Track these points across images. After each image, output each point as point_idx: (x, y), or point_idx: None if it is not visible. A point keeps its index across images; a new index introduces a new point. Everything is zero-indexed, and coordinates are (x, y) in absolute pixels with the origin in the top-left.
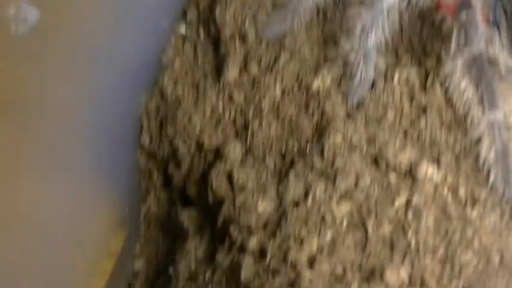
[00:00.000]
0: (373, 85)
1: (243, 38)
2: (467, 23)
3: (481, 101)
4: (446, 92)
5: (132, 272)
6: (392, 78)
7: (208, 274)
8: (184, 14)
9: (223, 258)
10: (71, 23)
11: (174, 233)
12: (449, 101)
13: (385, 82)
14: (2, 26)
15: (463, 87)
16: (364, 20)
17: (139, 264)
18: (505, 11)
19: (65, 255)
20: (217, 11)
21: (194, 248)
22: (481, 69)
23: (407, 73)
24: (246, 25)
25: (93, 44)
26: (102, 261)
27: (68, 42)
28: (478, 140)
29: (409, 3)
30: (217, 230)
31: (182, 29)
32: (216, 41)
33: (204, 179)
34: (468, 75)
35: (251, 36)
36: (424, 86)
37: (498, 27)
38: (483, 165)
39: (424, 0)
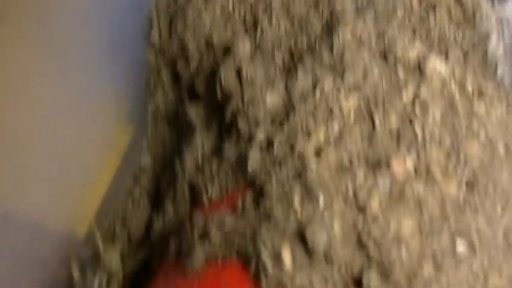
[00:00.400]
0: None
1: None
2: None
3: None
4: None
5: (139, 167)
6: None
7: (214, 167)
8: None
9: (230, 151)
10: None
11: (181, 129)
12: None
13: None
14: None
15: None
16: None
17: (146, 160)
18: None
19: (73, 147)
20: None
21: (201, 142)
22: None
23: None
24: None
25: None
26: (110, 156)
27: None
28: (487, 35)
29: None
30: (225, 125)
31: None
32: None
33: (212, 76)
34: None
35: None
36: None
37: None
38: (491, 60)
39: None
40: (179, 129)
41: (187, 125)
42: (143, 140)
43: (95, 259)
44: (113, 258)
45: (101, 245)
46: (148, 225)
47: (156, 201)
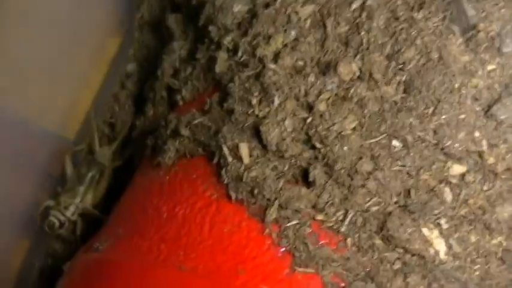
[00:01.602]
0: None
1: None
2: None
3: None
4: None
5: (125, 73)
6: None
7: (189, 70)
8: None
9: (202, 56)
10: None
11: (164, 38)
12: None
13: None
14: None
15: None
16: None
17: (132, 67)
18: None
19: (64, 52)
20: None
21: (179, 48)
22: None
23: None
24: None
25: None
26: (100, 62)
27: None
28: None
29: None
30: (199, 32)
31: None
32: None
33: None
34: None
35: None
36: None
37: None
38: None
39: None
40: (162, 37)
41: (168, 33)
42: (130, 47)
43: (88, 155)
44: (105, 153)
45: (97, 142)
46: (133, 126)
47: (140, 104)
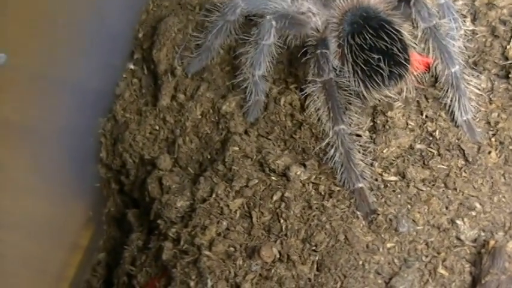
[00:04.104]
0: (266, 107)
1: (173, 72)
2: (321, 57)
3: (329, 116)
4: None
5: (97, 261)
6: (280, 102)
7: (143, 258)
8: (132, 53)
9: (153, 245)
10: (37, 64)
11: (126, 230)
12: (319, 119)
13: (274, 105)
14: None
15: (318, 106)
16: (251, 55)
17: (101, 256)
18: (351, 50)
19: (43, 249)
20: (154, 51)
21: (136, 239)
22: (329, 92)
23: (291, 97)
24: (175, 62)
25: (59, 80)
26: (74, 253)
27: (36, 77)
28: (330, 146)
29: (284, 42)
30: (151, 224)
31: (131, 67)
32: (154, 75)
33: (144, 185)
34: (322, 97)
35: (179, 71)
36: (302, 107)
37: (347, 61)
38: (334, 166)
39: (294, 39)
40: (125, 229)
41: (129, 226)
42: (100, 238)
43: None
44: None
45: None
46: None
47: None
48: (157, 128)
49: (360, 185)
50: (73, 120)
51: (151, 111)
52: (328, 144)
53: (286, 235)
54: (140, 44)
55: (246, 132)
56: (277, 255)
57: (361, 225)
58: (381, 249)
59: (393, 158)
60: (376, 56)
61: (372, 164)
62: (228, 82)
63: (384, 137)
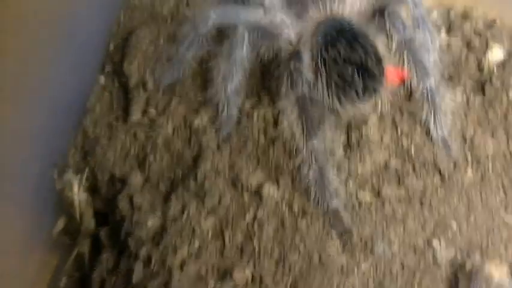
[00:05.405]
0: (239, 122)
1: (144, 86)
2: (294, 70)
3: (302, 132)
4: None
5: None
6: (253, 116)
7: (113, 280)
8: (103, 67)
9: (123, 266)
10: (12, 75)
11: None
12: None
13: (247, 119)
14: None
15: (291, 120)
16: (222, 68)
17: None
18: (325, 63)
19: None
20: (125, 64)
21: (106, 260)
22: (303, 107)
23: (264, 112)
24: (147, 75)
25: (30, 89)
26: (43, 274)
27: (12, 82)
28: (303, 163)
29: (257, 54)
30: (122, 244)
31: (101, 80)
32: (125, 88)
33: (115, 202)
34: (295, 111)
35: (150, 84)
36: (276, 122)
37: (320, 75)
38: (307, 184)
39: (267, 51)
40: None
41: (101, 246)
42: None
43: None
44: None
45: None
46: None
47: None
48: (128, 144)
49: (334, 204)
50: (41, 133)
51: (122, 127)
52: (301, 160)
53: (259, 256)
54: (111, 57)
55: (218, 147)
56: (250, 277)
57: (336, 245)
58: (355, 271)
59: (368, 176)
60: (350, 69)
61: (346, 182)
62: (200, 96)
63: (358, 154)
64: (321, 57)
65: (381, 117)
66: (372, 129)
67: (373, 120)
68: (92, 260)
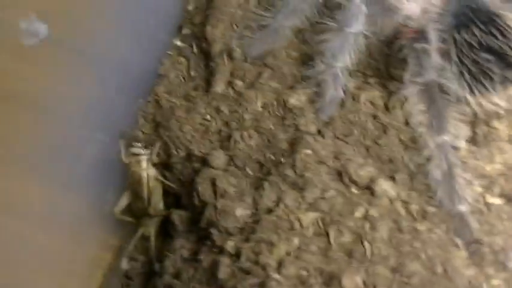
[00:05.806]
0: (342, 104)
1: (230, 55)
2: (421, 53)
3: (431, 125)
4: (404, 113)
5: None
6: (359, 99)
7: (191, 272)
8: (180, 29)
9: (204, 258)
10: (78, 38)
11: (166, 233)
12: (407, 123)
13: (353, 102)
14: (13, 37)
15: (417, 110)
16: (333, 44)
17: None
18: (457, 47)
19: (68, 248)
20: (208, 28)
21: (180, 247)
22: (432, 96)
23: (373, 95)
24: (233, 43)
25: (98, 54)
26: (103, 255)
27: (75, 54)
28: (429, 160)
29: (374, 30)
30: (201, 231)
31: (178, 43)
32: (207, 55)
33: (192, 184)
34: (421, 100)
35: (237, 53)
36: (386, 107)
37: (451, 60)
38: (432, 183)
39: (386, 28)
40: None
41: (171, 229)
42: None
43: None
44: None
45: None
46: None
47: None
48: (208, 118)
49: (462, 208)
50: (110, 100)
51: (202, 98)
52: (427, 157)
53: (371, 261)
54: (190, 18)
55: (319, 132)
56: (361, 286)
57: (462, 256)
58: (484, 287)
59: (497, 177)
60: (487, 57)
61: (471, 183)
62: (296, 71)
63: (486, 151)
64: (454, 40)
65: None
66: (503, 124)
67: (504, 114)
68: (160, 245)
